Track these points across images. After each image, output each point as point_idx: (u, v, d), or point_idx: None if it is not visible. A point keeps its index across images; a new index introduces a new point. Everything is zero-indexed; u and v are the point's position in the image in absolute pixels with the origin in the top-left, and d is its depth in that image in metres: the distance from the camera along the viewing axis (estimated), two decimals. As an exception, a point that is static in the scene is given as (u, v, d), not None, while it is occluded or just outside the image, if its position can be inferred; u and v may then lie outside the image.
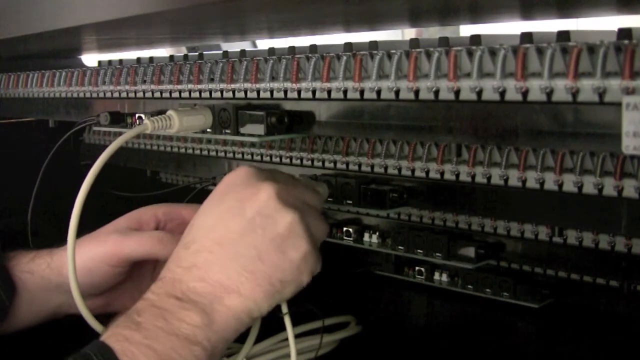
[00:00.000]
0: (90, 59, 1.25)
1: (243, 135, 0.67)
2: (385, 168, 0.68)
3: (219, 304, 0.55)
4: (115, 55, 1.10)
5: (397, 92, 0.59)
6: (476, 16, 0.83)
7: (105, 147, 0.61)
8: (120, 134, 0.68)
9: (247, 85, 0.70)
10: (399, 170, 0.67)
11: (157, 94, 0.82)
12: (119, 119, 0.78)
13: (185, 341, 0.54)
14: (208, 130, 0.69)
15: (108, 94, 0.89)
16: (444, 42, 0.61)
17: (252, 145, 0.81)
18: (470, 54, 0.54)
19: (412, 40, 0.62)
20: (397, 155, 0.67)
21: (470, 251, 0.68)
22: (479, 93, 0.53)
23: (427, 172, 0.65)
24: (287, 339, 0.63)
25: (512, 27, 0.76)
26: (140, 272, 0.72)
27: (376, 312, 0.88)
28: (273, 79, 0.68)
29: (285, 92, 0.67)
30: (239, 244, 0.56)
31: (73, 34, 0.84)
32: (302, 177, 0.72)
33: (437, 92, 0.56)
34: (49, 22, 0.76)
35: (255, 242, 0.56)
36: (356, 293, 0.89)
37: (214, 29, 0.94)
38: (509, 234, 0.66)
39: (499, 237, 0.68)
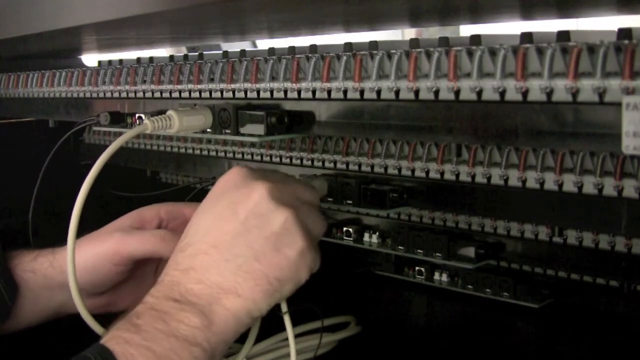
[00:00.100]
0: (90, 59, 1.25)
1: (243, 135, 0.67)
2: (385, 168, 0.68)
3: (217, 305, 0.55)
4: (115, 55, 1.10)
5: (397, 92, 0.59)
6: (476, 16, 0.83)
7: (105, 147, 0.61)
8: (120, 134, 0.68)
9: (247, 85, 0.70)
10: (399, 170, 0.67)
11: (157, 94, 0.82)
12: (119, 119, 0.78)
13: (184, 342, 0.54)
14: (208, 130, 0.69)
15: (108, 94, 0.89)
16: (444, 42, 0.61)
17: (252, 145, 0.81)
18: (470, 54, 0.54)
19: (412, 40, 0.62)
20: (397, 155, 0.67)
21: (470, 251, 0.68)
22: (479, 93, 0.53)
23: (427, 172, 0.65)
24: (287, 339, 0.63)
25: (512, 27, 0.76)
26: (142, 272, 0.73)
27: (376, 312, 0.88)
28: (273, 79, 0.68)
29: (285, 92, 0.67)
30: (234, 244, 0.57)
31: (73, 34, 0.84)
32: (301, 177, 0.72)
33: (437, 92, 0.56)
34: (49, 22, 0.76)
35: (250, 242, 0.56)
36: (356, 293, 0.89)
37: (214, 29, 0.94)
38: (509, 234, 0.66)
39: (499, 237, 0.68)
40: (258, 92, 0.70)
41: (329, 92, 0.63)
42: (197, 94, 0.76)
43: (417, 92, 0.57)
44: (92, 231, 0.72)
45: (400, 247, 0.72)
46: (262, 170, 0.62)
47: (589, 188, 0.56)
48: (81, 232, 0.63)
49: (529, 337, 0.76)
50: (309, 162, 0.75)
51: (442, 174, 0.64)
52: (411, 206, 0.70)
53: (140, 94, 0.84)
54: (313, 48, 0.71)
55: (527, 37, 0.56)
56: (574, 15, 0.78)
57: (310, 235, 0.58)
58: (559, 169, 0.57)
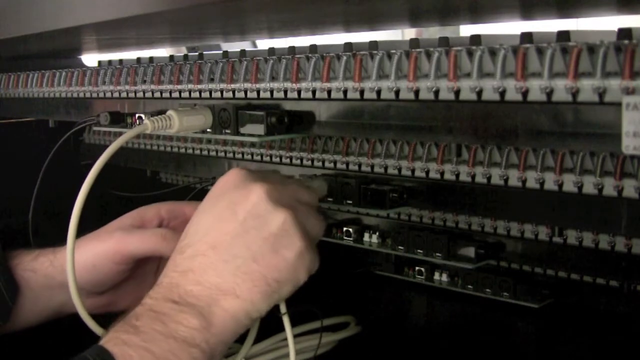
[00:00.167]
0: (90, 59, 1.25)
1: (243, 135, 0.67)
2: (385, 168, 0.68)
3: (216, 306, 0.55)
4: (115, 55, 1.10)
5: (397, 92, 0.59)
6: (476, 16, 0.83)
7: (105, 147, 0.61)
8: (120, 134, 0.68)
9: (247, 85, 0.70)
10: (399, 170, 0.67)
11: (157, 94, 0.82)
12: (119, 119, 0.78)
13: (183, 344, 0.54)
14: (208, 130, 0.69)
15: (108, 94, 0.89)
16: (444, 42, 0.61)
17: (252, 145, 0.81)
18: (470, 54, 0.54)
19: (412, 40, 0.62)
20: (397, 155, 0.67)
21: (470, 251, 0.68)
22: (479, 93, 0.53)
23: (427, 172, 0.65)
24: (286, 339, 0.63)
25: (512, 27, 0.76)
26: (143, 271, 0.73)
27: (376, 312, 0.88)
28: (273, 79, 0.68)
29: (285, 92, 0.67)
30: (233, 246, 0.57)
31: (73, 34, 0.84)
32: (301, 177, 0.72)
33: (437, 92, 0.56)
34: (49, 22, 0.76)
35: (249, 244, 0.56)
36: (356, 293, 0.89)
37: (214, 29, 0.94)
38: (509, 234, 0.66)
39: (499, 237, 0.68)
40: (258, 92, 0.70)
41: (329, 92, 0.63)
42: (197, 94, 0.77)
43: (417, 92, 0.57)
44: (92, 231, 0.72)
45: (400, 247, 0.72)
46: (261, 172, 0.62)
47: (589, 188, 0.56)
48: (81, 231, 0.63)
49: (529, 337, 0.76)
50: (309, 162, 0.75)
51: (442, 174, 0.64)
52: (411, 206, 0.70)
53: (140, 94, 0.84)
54: (313, 48, 0.71)
55: (527, 37, 0.56)
56: (574, 15, 0.78)
57: (308, 237, 0.58)
58: (559, 169, 0.57)
